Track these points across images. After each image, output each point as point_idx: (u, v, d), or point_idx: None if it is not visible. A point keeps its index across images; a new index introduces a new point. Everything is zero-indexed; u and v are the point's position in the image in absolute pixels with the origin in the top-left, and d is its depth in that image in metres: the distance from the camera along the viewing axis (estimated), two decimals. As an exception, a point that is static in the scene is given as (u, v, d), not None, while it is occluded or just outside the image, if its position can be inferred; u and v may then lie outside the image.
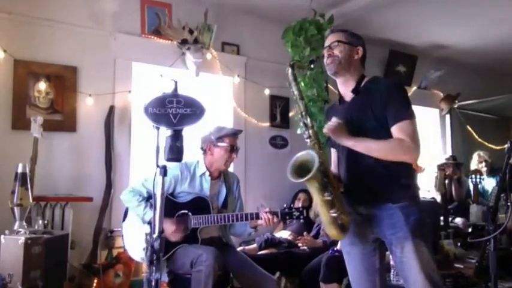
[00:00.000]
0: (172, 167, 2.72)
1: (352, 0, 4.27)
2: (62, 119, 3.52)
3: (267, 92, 4.52)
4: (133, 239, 2.80)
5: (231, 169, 3.99)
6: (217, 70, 4.25)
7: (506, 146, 2.07)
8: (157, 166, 1.72)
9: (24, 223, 2.65)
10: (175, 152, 1.75)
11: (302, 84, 4.15)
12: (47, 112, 3.46)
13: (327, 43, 2.12)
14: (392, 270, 2.84)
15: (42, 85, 3.44)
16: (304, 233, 3.76)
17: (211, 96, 4.27)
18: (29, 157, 3.05)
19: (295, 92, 1.99)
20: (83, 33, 3.65)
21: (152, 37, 3.95)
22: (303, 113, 1.97)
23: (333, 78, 2.13)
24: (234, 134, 2.95)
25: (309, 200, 4.34)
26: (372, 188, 1.97)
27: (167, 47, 3.98)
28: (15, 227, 2.58)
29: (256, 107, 4.52)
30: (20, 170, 2.63)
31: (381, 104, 1.93)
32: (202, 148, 2.94)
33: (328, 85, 4.53)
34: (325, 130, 1.97)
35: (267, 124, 4.59)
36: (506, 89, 5.74)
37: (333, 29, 2.23)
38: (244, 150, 4.38)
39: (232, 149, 2.89)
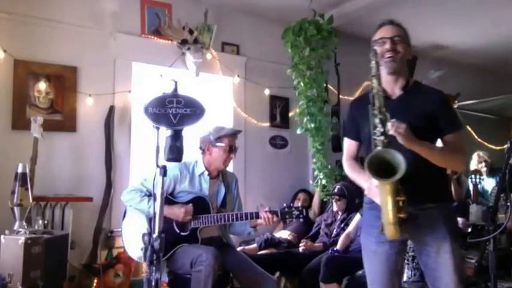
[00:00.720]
0: (172, 167, 2.73)
1: (352, 1, 4.27)
2: (62, 119, 3.52)
3: (266, 92, 4.52)
4: (132, 238, 2.80)
5: (230, 169, 4.00)
6: (217, 70, 4.25)
7: (506, 146, 2.07)
8: (157, 166, 1.72)
9: (24, 223, 2.65)
10: (175, 152, 1.75)
11: (302, 84, 4.16)
12: (47, 112, 3.46)
13: (388, 34, 2.00)
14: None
15: (42, 85, 3.44)
16: (303, 241, 3.76)
17: (211, 96, 4.27)
18: (29, 157, 3.05)
19: (377, 86, 1.87)
20: (83, 33, 3.65)
21: (152, 37, 3.96)
22: (383, 109, 1.84)
23: (388, 75, 2.01)
24: (233, 135, 2.95)
25: (309, 199, 4.36)
26: (415, 187, 1.88)
27: (167, 47, 3.98)
28: (15, 227, 2.58)
29: (256, 107, 4.52)
30: (20, 170, 2.63)
31: (435, 110, 1.95)
32: (201, 148, 2.95)
33: (328, 85, 4.54)
34: (392, 131, 1.80)
35: (267, 124, 4.59)
36: (506, 89, 5.74)
37: (393, 20, 2.08)
38: (244, 150, 4.38)
39: (231, 149, 2.89)
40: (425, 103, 1.97)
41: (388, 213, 1.81)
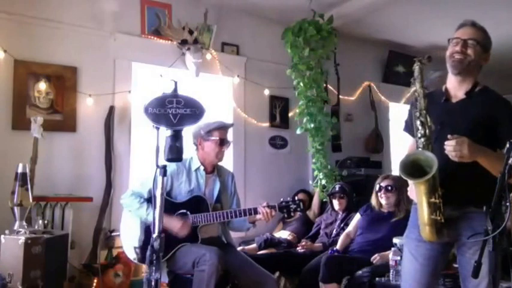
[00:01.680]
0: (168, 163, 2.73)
1: (352, 1, 4.27)
2: (62, 119, 3.52)
3: (266, 92, 4.52)
4: (127, 238, 2.81)
5: (230, 168, 4.00)
6: (217, 70, 4.25)
7: (505, 146, 2.07)
8: (157, 166, 1.72)
9: (24, 223, 2.65)
10: (175, 152, 1.75)
11: (301, 84, 4.16)
12: (47, 112, 3.46)
13: (463, 35, 1.97)
14: (391, 270, 2.84)
15: (42, 85, 3.44)
16: (303, 241, 3.77)
17: (211, 97, 4.28)
18: (29, 157, 3.05)
19: (419, 89, 1.88)
20: (83, 33, 3.65)
21: (152, 37, 3.96)
22: (423, 112, 1.85)
23: (453, 75, 1.98)
24: (223, 127, 2.95)
25: (309, 200, 4.36)
26: (459, 189, 1.90)
27: (167, 47, 3.98)
28: (15, 227, 2.58)
29: (256, 107, 4.52)
30: (20, 170, 2.63)
31: (494, 117, 1.89)
32: (194, 143, 2.96)
33: (328, 85, 4.55)
34: (455, 158, 1.76)
35: (267, 124, 4.59)
36: (506, 89, 5.74)
37: (474, 22, 2.03)
38: (244, 150, 4.39)
39: (222, 142, 2.89)
40: (486, 109, 1.90)
41: (423, 213, 1.83)
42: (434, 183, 1.80)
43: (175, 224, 2.67)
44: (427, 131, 1.85)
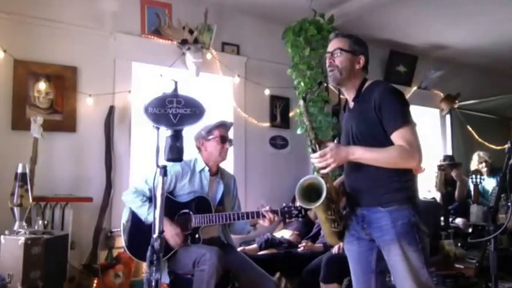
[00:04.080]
0: (173, 163, 2.73)
1: (353, 0, 4.27)
2: (62, 119, 3.52)
3: (267, 92, 4.52)
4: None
5: (231, 168, 4.00)
6: (217, 70, 4.25)
7: (506, 146, 2.07)
8: (158, 166, 1.71)
9: (24, 223, 2.65)
10: (176, 152, 1.74)
11: (302, 84, 4.15)
12: (47, 112, 3.45)
13: (329, 48, 2.10)
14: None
15: (42, 85, 3.44)
16: (304, 241, 3.76)
17: (211, 97, 4.27)
18: (29, 157, 3.05)
19: (307, 123, 2.02)
20: (83, 33, 3.65)
21: (152, 37, 3.95)
22: (312, 141, 1.98)
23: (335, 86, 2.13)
24: (222, 125, 2.98)
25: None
26: (364, 191, 2.01)
27: (167, 47, 3.98)
28: (15, 227, 2.58)
29: (256, 107, 4.51)
30: (20, 170, 2.63)
31: (377, 111, 1.93)
32: (197, 147, 2.98)
33: (329, 85, 4.53)
34: (325, 169, 1.92)
35: (267, 124, 4.59)
36: (506, 89, 5.74)
37: (337, 33, 2.19)
38: (245, 150, 4.39)
39: (223, 140, 2.91)
40: (370, 106, 1.96)
41: (325, 226, 2.07)
42: (327, 203, 1.97)
43: (168, 231, 2.64)
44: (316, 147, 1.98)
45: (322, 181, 1.93)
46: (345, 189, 2.13)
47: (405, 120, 1.90)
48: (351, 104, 2.11)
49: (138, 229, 2.72)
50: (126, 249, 2.75)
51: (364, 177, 1.99)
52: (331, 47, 2.09)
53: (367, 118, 1.96)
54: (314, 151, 1.96)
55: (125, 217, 2.81)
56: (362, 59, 2.08)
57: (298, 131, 4.28)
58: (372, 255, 2.05)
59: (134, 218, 2.76)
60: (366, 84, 2.06)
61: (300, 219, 2.93)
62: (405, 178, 1.97)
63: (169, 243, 2.67)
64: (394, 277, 1.97)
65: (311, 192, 1.96)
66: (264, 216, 2.75)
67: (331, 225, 2.02)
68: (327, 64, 2.07)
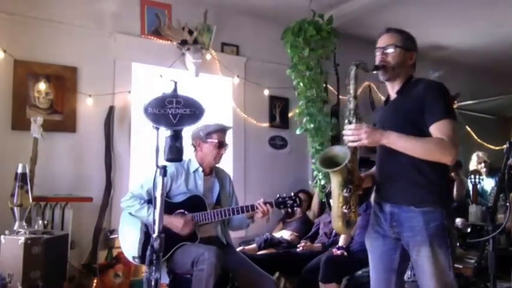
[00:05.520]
0: (168, 164, 2.74)
1: (352, 1, 4.28)
2: (62, 119, 3.53)
3: (266, 92, 4.52)
4: (125, 238, 2.81)
5: (230, 167, 4.01)
6: (216, 70, 4.25)
7: (505, 146, 2.07)
8: (157, 166, 1.72)
9: (24, 223, 2.66)
10: (175, 152, 1.75)
11: (301, 84, 4.16)
12: (47, 112, 3.46)
13: (380, 44, 2.05)
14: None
15: (42, 85, 3.44)
16: (302, 241, 3.76)
17: (210, 97, 4.27)
18: (29, 157, 3.05)
19: (351, 91, 1.98)
20: (83, 34, 3.65)
21: (152, 38, 3.96)
22: (351, 111, 1.95)
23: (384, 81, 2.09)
24: (222, 130, 2.96)
25: (309, 200, 4.36)
26: (398, 188, 1.95)
27: (167, 47, 3.98)
28: (15, 227, 2.59)
29: (256, 107, 4.52)
30: (19, 170, 2.63)
31: (418, 104, 1.91)
32: (192, 145, 2.96)
33: (328, 86, 4.55)
34: (354, 144, 1.87)
35: (267, 124, 4.59)
36: (505, 90, 5.75)
37: (389, 28, 2.11)
38: (244, 150, 4.39)
39: (221, 145, 2.91)
40: (411, 99, 1.95)
41: (335, 205, 1.95)
42: (348, 176, 1.89)
43: (177, 223, 2.68)
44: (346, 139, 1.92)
45: (349, 152, 1.85)
46: (374, 180, 2.09)
47: (448, 113, 1.88)
48: (393, 96, 2.07)
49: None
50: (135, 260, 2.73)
51: (399, 171, 1.93)
52: (382, 42, 2.05)
53: (409, 109, 1.93)
54: (350, 123, 1.91)
55: (121, 224, 2.82)
56: (414, 55, 2.08)
57: (298, 131, 4.29)
58: (395, 254, 2.02)
59: (147, 235, 2.71)
60: (412, 80, 2.05)
61: (298, 209, 2.89)
62: (440, 178, 1.93)
63: (181, 233, 2.68)
64: (419, 276, 1.93)
65: (331, 165, 1.89)
66: (257, 209, 2.75)
67: (343, 205, 1.91)
68: (378, 59, 2.03)
